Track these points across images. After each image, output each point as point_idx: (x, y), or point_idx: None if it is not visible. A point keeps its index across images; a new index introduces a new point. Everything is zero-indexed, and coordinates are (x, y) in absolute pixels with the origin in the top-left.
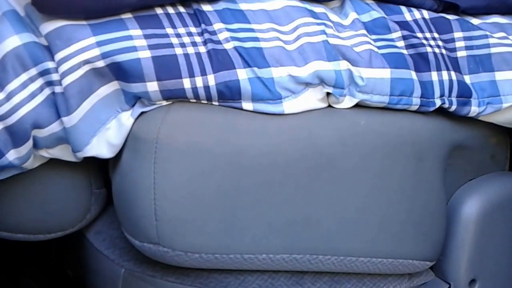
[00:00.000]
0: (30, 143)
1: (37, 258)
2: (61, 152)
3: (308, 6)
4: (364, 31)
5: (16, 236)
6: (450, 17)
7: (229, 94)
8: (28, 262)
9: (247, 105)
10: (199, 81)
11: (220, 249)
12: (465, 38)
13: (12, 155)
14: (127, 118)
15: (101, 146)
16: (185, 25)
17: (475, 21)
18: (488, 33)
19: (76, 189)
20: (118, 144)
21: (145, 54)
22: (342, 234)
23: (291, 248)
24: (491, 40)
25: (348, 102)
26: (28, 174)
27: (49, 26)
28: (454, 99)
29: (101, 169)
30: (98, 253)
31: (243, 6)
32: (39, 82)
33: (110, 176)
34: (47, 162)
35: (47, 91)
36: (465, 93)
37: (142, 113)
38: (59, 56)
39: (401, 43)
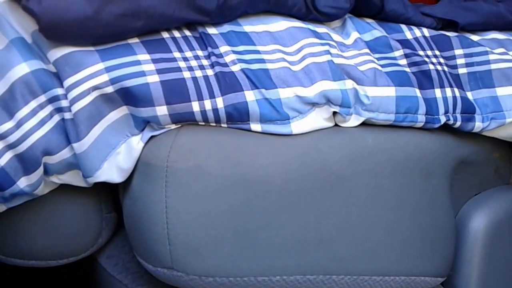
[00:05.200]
0: (40, 170)
1: (49, 282)
2: (71, 178)
3: (311, 26)
4: (367, 50)
5: (29, 263)
6: (450, 34)
7: (238, 116)
8: (40, 287)
9: (255, 126)
10: (207, 104)
11: (234, 272)
12: (466, 55)
13: (23, 183)
14: (137, 142)
15: (111, 171)
16: (191, 48)
17: (474, 37)
18: (488, 49)
19: (87, 214)
20: (128, 168)
21: (154, 78)
22: (354, 253)
23: (305, 269)
24: (491, 56)
25: (354, 120)
26: (39, 200)
27: (57, 52)
28: (458, 115)
29: (111, 193)
30: (111, 278)
31: (247, 28)
32: (49, 109)
33: (120, 200)
34: (57, 187)
35: (56, 118)
36: (469, 109)
37: (151, 137)
38: (68, 82)
39: (404, 61)
